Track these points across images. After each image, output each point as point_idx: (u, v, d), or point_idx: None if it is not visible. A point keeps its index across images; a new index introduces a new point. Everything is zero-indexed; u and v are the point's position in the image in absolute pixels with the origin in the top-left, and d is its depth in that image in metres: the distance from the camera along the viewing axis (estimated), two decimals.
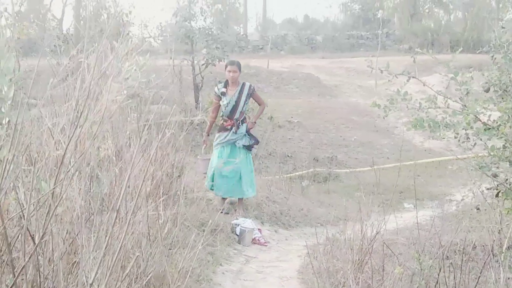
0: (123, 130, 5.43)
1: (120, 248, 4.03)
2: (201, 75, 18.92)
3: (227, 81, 8.86)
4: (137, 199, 4.83)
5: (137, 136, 5.48)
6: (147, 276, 4.24)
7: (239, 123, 8.81)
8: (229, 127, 8.81)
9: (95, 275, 3.23)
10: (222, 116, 8.97)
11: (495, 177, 4.00)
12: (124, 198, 4.37)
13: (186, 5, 19.27)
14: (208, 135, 9.23)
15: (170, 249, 5.00)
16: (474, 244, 6.87)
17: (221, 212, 7.88)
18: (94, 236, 3.50)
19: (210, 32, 19.32)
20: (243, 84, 8.91)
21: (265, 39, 42.75)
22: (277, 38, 44.12)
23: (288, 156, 17.32)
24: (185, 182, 7.98)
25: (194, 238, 4.76)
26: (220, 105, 8.92)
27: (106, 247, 3.31)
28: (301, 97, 26.22)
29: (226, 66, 8.94)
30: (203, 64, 18.66)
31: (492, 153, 3.53)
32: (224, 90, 8.79)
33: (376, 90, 25.84)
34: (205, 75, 18.96)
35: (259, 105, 9.18)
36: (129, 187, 4.86)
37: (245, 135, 8.86)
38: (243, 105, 8.83)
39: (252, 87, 9.04)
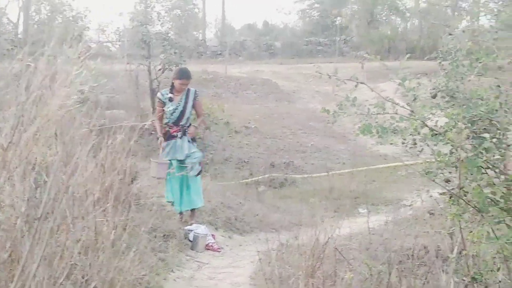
0: (71, 135, 5.32)
1: (65, 255, 3.95)
2: (158, 80, 18.81)
3: (172, 87, 8.55)
4: (84, 205, 4.75)
5: (85, 140, 5.39)
6: (92, 284, 4.15)
7: (185, 129, 8.47)
8: (175, 133, 8.45)
9: (37, 283, 3.14)
10: (167, 123, 8.54)
11: (447, 182, 4.02)
12: (71, 204, 4.29)
13: (143, 10, 19.15)
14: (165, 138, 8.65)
15: (118, 255, 4.91)
16: (426, 248, 6.93)
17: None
18: (37, 243, 3.40)
19: (167, 37, 19.22)
20: (188, 90, 8.56)
21: (223, 45, 42.75)
22: (235, 44, 44.16)
23: (244, 161, 17.30)
24: (138, 187, 7.89)
25: (145, 244, 4.68)
26: (162, 110, 8.54)
27: (51, 254, 3.23)
28: (259, 103, 26.26)
29: (178, 78, 8.47)
30: (159, 69, 18.56)
31: (438, 159, 3.55)
32: (170, 95, 8.45)
33: (333, 96, 25.96)
34: (161, 80, 18.85)
35: (197, 115, 8.87)
36: (76, 193, 4.78)
37: (190, 155, 8.41)
38: (190, 110, 8.55)
39: (197, 92, 8.71)
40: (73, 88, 4.99)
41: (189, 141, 8.49)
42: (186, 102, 8.47)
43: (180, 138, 8.43)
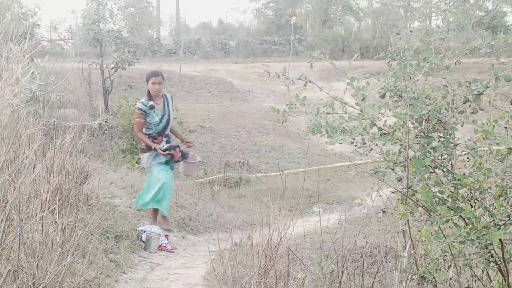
0: (18, 135, 5.21)
1: (12, 257, 3.86)
2: (111, 79, 18.62)
3: (149, 95, 7.92)
4: (32, 206, 4.66)
5: (33, 140, 5.29)
6: (40, 287, 4.07)
7: (169, 137, 8.12)
8: (162, 144, 7.93)
9: None
10: (149, 134, 7.95)
11: (399, 181, 4.06)
12: (17, 205, 4.20)
13: (94, 7, 18.91)
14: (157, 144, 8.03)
15: (68, 257, 4.83)
16: (379, 247, 7.00)
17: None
18: None
19: (119, 36, 19.05)
20: (166, 96, 8.11)
21: (178, 44, 42.58)
22: (190, 43, 44.03)
23: (199, 161, 17.21)
24: (90, 188, 7.78)
25: (96, 245, 4.60)
26: (144, 123, 7.90)
27: None
28: (214, 102, 26.22)
29: (148, 78, 7.96)
30: (112, 68, 18.38)
31: (387, 159, 3.57)
32: (151, 103, 7.83)
33: (288, 95, 26.10)
34: (114, 79, 18.67)
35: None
36: (25, 193, 4.69)
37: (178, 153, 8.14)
38: (173, 118, 8.18)
39: (171, 98, 8.27)
40: (19, 87, 4.89)
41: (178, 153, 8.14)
42: (169, 110, 8.04)
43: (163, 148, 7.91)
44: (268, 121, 23.15)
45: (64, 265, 4.44)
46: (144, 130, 7.94)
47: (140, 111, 7.86)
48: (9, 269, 3.76)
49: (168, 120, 8.01)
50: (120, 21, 21.30)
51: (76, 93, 18.33)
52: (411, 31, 4.25)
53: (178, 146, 8.22)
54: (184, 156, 8.20)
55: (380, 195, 4.62)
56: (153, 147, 7.80)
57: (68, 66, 17.23)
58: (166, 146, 7.95)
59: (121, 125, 15.04)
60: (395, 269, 4.79)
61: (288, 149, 19.89)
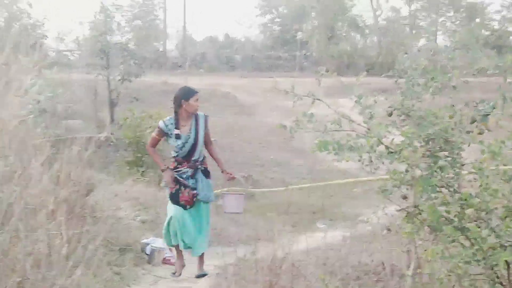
0: (26, 146, 5.23)
1: (17, 269, 3.87)
2: (117, 90, 18.69)
3: (177, 115, 6.97)
4: (38, 217, 4.66)
5: (40, 152, 5.30)
6: None
7: (198, 164, 7.03)
8: (185, 170, 6.99)
9: None
10: (175, 157, 7.04)
11: (404, 199, 4.06)
12: (24, 216, 4.21)
13: (102, 19, 19.01)
14: (168, 168, 7.08)
15: (72, 269, 4.83)
16: (384, 265, 6.98)
17: (174, 274, 7.13)
18: None
19: (126, 48, 19.14)
20: (196, 116, 7.02)
21: (184, 57, 42.70)
22: (196, 56, 44.16)
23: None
24: (95, 200, 7.79)
25: (101, 258, 4.61)
26: (158, 140, 7.21)
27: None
28: (218, 116, 26.20)
29: (189, 96, 7.00)
30: (119, 80, 18.45)
31: (393, 177, 3.58)
32: (177, 132, 6.92)
33: (293, 111, 26.03)
34: (121, 91, 18.73)
35: (206, 144, 7.18)
36: (30, 204, 4.69)
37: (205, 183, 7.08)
38: (202, 142, 7.00)
39: (207, 117, 7.18)
40: (28, 98, 4.92)
41: (204, 178, 7.10)
42: (197, 132, 6.97)
43: (190, 177, 6.97)
44: (272, 136, 23.14)
45: (70, 277, 4.45)
46: (171, 152, 7.11)
47: (159, 129, 7.06)
48: (15, 280, 3.77)
49: (195, 144, 6.94)
50: (127, 34, 21.36)
51: (82, 104, 18.40)
52: (419, 50, 4.28)
53: (193, 188, 6.98)
54: (206, 197, 7.07)
55: (386, 213, 4.62)
56: (161, 168, 7.11)
57: (75, 77, 17.37)
58: (184, 175, 6.96)
59: (127, 137, 15.05)
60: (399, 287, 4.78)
61: (293, 164, 19.88)
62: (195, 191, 6.94)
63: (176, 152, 6.97)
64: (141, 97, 20.84)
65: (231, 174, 7.27)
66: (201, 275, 7.05)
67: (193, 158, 6.97)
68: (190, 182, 6.95)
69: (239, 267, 6.33)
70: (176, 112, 6.97)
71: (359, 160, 3.74)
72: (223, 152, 20.02)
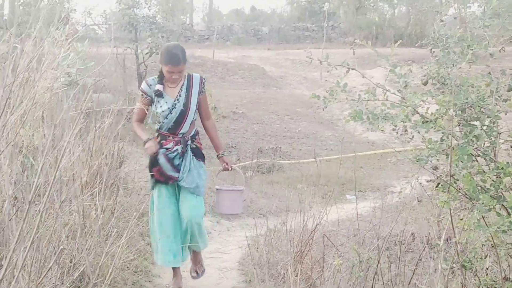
0: (59, 118, 5.28)
1: (53, 239, 3.93)
2: (145, 64, 18.73)
3: (162, 74, 5.34)
4: (72, 188, 4.72)
5: (73, 124, 5.35)
6: (80, 268, 4.13)
7: (187, 140, 5.42)
8: (171, 147, 5.36)
9: (23, 265, 3.11)
10: (158, 130, 5.48)
11: (435, 170, 4.02)
12: (58, 187, 4.26)
13: None
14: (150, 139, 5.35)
15: (106, 240, 4.89)
16: (413, 235, 6.96)
17: None
18: (25, 227, 3.36)
19: (154, 21, 19.13)
20: (190, 77, 5.45)
21: (211, 30, 42.61)
22: (223, 29, 44.01)
23: (232, 146, 17.26)
24: (126, 171, 7.86)
25: (133, 228, 4.66)
26: (145, 113, 5.50)
27: (35, 237, 3.20)
28: (246, 88, 26.22)
29: (163, 63, 5.25)
30: (147, 53, 18.48)
31: (429, 146, 3.55)
32: (159, 87, 5.34)
33: (321, 82, 26.00)
34: (148, 64, 18.78)
35: (202, 118, 5.65)
36: (64, 176, 4.75)
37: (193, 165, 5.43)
38: (195, 111, 5.41)
39: (203, 80, 5.54)
40: (60, 71, 4.95)
41: (194, 159, 5.45)
42: (188, 98, 5.37)
43: (179, 156, 5.36)
44: (301, 107, 23.11)
45: (104, 247, 4.51)
46: (152, 125, 5.66)
47: (142, 93, 5.42)
48: (51, 250, 3.82)
49: (185, 111, 5.35)
50: (153, 7, 21.32)
51: (110, 78, 18.48)
52: (455, 18, 4.21)
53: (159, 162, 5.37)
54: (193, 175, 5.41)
55: (420, 183, 4.58)
56: (143, 143, 5.36)
57: (103, 51, 17.43)
58: (170, 154, 5.36)
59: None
60: (430, 258, 4.76)
61: (321, 136, 19.84)
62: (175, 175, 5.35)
63: (160, 123, 5.37)
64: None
65: (227, 164, 5.66)
66: (196, 276, 5.80)
67: (181, 131, 5.35)
68: (176, 163, 5.35)
69: (270, 237, 6.36)
70: (161, 71, 5.35)
71: (393, 130, 3.70)
72: (251, 124, 20.08)
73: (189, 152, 5.41)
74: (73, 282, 4.19)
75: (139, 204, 6.91)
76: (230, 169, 5.71)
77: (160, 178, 5.36)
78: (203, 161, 5.56)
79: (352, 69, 3.80)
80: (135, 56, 19.13)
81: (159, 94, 5.32)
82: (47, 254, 3.59)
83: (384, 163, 15.66)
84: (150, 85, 5.37)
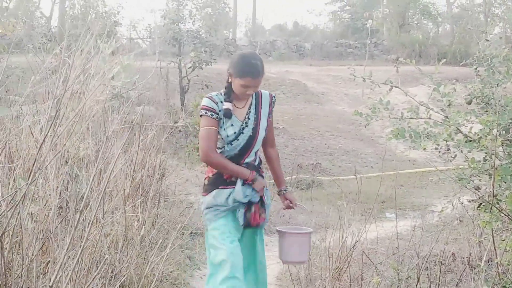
0: (104, 130, 5.38)
1: (96, 249, 4.00)
2: (188, 78, 18.92)
3: (229, 88, 4.27)
4: (114, 200, 4.80)
5: (118, 136, 5.45)
6: (121, 278, 4.20)
7: (256, 169, 4.39)
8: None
9: (56, 276, 3.18)
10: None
11: (477, 190, 4.00)
12: (102, 198, 4.33)
13: (175, 8, 19.27)
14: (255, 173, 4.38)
15: (147, 251, 4.97)
16: (454, 255, 6.88)
17: None
18: (69, 236, 3.43)
19: (198, 35, 19.34)
20: (259, 95, 4.45)
21: (253, 45, 42.79)
22: (265, 44, 44.16)
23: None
24: (167, 184, 7.95)
25: (172, 241, 4.71)
26: (216, 135, 4.27)
27: (78, 247, 3.27)
28: (288, 104, 26.23)
29: (239, 74, 4.16)
30: (190, 67, 18.66)
31: (472, 166, 3.53)
32: (229, 106, 4.26)
33: (362, 99, 25.91)
34: (191, 78, 18.96)
35: (265, 145, 4.61)
36: (108, 187, 4.83)
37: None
38: (264, 135, 4.42)
39: (274, 98, 4.57)
40: (107, 84, 5.05)
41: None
42: (257, 120, 4.38)
43: (254, 189, 4.33)
44: (341, 124, 23.03)
45: (145, 259, 4.57)
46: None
47: (210, 112, 4.24)
48: (93, 259, 3.89)
49: (253, 137, 4.34)
50: (197, 21, 21.57)
51: (153, 91, 18.72)
52: (500, 38, 4.18)
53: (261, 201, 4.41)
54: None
55: (462, 203, 4.55)
56: (248, 178, 4.27)
57: (147, 64, 17.68)
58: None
59: (197, 124, 15.22)
60: (471, 279, 4.72)
61: (361, 153, 19.73)
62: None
63: (221, 147, 4.33)
64: (211, 84, 21.06)
65: (291, 202, 4.72)
66: None
67: (246, 160, 4.37)
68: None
69: (309, 253, 6.35)
70: (228, 85, 4.30)
71: (435, 148, 3.69)
72: (292, 139, 20.10)
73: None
74: None
75: (179, 217, 7.00)
76: (294, 207, 4.76)
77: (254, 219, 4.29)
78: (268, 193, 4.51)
79: (395, 87, 3.80)
80: (178, 70, 19.33)
81: (228, 115, 4.26)
82: (90, 264, 3.66)
83: (425, 182, 15.50)
84: (217, 102, 4.24)
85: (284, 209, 4.85)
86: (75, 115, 3.70)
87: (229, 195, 4.27)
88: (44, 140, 3.21)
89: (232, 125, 4.28)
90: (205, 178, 4.44)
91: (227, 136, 4.27)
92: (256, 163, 4.45)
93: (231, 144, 4.30)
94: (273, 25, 57.60)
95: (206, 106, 4.25)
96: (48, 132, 3.26)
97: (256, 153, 4.43)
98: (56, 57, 4.73)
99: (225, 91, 4.29)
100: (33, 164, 3.20)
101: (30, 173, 3.19)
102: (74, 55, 4.03)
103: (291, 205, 4.74)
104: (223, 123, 4.27)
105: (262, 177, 4.45)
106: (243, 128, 4.31)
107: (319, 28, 56.02)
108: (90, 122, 4.89)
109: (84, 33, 4.31)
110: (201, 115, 4.28)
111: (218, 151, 4.29)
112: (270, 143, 4.64)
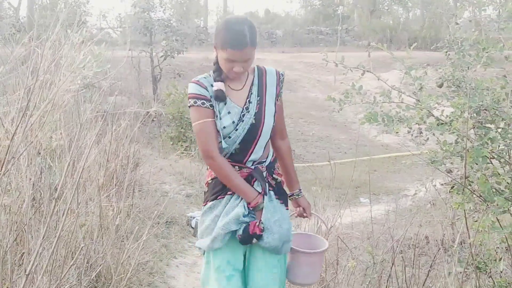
0: (76, 120, 5.34)
1: (69, 238, 3.98)
2: (160, 67, 18.84)
3: (218, 70, 3.32)
4: (88, 190, 4.78)
5: (91, 126, 5.41)
6: (97, 268, 4.18)
7: (263, 172, 3.39)
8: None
9: (33, 265, 3.16)
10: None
11: (449, 173, 4.04)
12: (76, 188, 4.31)
13: None
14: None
15: (122, 241, 4.95)
16: (427, 238, 6.97)
17: None
18: (43, 226, 3.41)
19: (169, 24, 19.25)
20: (262, 72, 3.47)
21: None
22: None
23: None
24: (141, 174, 7.93)
25: (148, 230, 4.71)
26: (215, 128, 3.27)
27: (54, 237, 3.25)
28: None
29: (221, 48, 3.16)
30: (161, 56, 18.59)
31: (444, 148, 3.57)
32: (221, 86, 3.29)
33: (335, 85, 26.02)
34: (163, 67, 18.88)
35: (273, 136, 3.51)
36: (81, 177, 4.80)
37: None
38: (272, 123, 3.40)
39: (281, 76, 3.49)
40: (77, 74, 5.01)
41: (277, 202, 3.41)
42: (261, 104, 3.37)
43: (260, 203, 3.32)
44: (314, 111, 23.12)
45: (120, 248, 4.56)
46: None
47: (200, 101, 3.25)
48: (68, 250, 3.87)
49: (257, 127, 3.33)
50: (168, 10, 21.45)
51: (125, 81, 18.62)
52: (470, 21, 4.22)
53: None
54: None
55: (435, 185, 4.60)
56: (252, 203, 3.28)
57: (118, 54, 17.54)
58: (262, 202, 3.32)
59: (170, 113, 15.18)
60: (445, 261, 4.78)
61: (335, 139, 19.85)
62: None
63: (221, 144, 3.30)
64: (183, 73, 20.98)
65: (305, 210, 3.80)
66: None
67: (250, 157, 3.34)
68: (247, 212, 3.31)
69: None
70: (216, 64, 3.34)
71: (408, 132, 3.73)
72: None
73: (270, 192, 3.39)
74: (90, 282, 4.25)
75: (154, 206, 6.98)
76: (308, 217, 3.85)
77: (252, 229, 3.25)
78: (286, 203, 3.55)
79: (368, 71, 3.83)
80: (150, 59, 19.24)
81: (220, 97, 3.28)
82: (66, 254, 3.64)
83: (398, 167, 15.64)
84: (206, 87, 3.28)
85: (295, 217, 3.85)
86: (47, 104, 3.66)
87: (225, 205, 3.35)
88: (16, 130, 3.17)
89: (229, 112, 3.28)
90: (205, 184, 3.51)
91: (224, 127, 3.26)
92: (267, 162, 3.42)
93: (229, 137, 3.28)
94: (244, 13, 57.47)
95: (194, 93, 3.26)
96: (20, 122, 3.23)
97: (264, 148, 3.39)
98: (26, 47, 4.67)
99: (214, 68, 3.34)
100: (6, 155, 3.16)
101: (2, 165, 3.16)
102: (43, 44, 3.98)
103: (304, 214, 3.80)
104: (218, 111, 3.27)
105: (280, 183, 3.51)
106: (243, 115, 3.30)
107: (291, 15, 56.05)
108: (62, 112, 4.85)
109: (53, 23, 4.27)
110: (189, 106, 3.28)
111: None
112: (279, 133, 3.59)
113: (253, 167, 3.34)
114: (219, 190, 3.35)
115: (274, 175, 3.44)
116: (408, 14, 49.67)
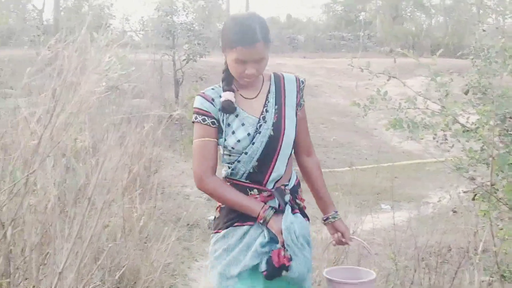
0: (100, 122, 5.39)
1: (93, 239, 4.00)
2: (182, 70, 18.91)
3: (227, 72, 2.90)
4: (111, 192, 4.81)
5: (114, 128, 5.45)
6: (121, 269, 4.21)
7: (285, 194, 2.92)
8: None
9: (65, 265, 3.19)
10: (227, 177, 2.93)
11: (472, 180, 4.02)
12: (100, 190, 4.34)
13: (168, 0, 19.24)
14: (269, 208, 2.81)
15: (145, 243, 4.98)
16: (450, 246, 6.93)
17: None
18: (67, 227, 3.44)
19: (191, 28, 19.31)
20: (280, 78, 3.07)
21: None
22: None
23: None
24: (163, 176, 7.97)
25: (170, 232, 4.73)
26: (215, 150, 2.85)
27: (78, 238, 3.28)
28: None
29: (230, 47, 2.78)
30: (184, 60, 18.65)
31: (470, 155, 3.55)
32: (229, 96, 2.84)
33: (356, 91, 25.93)
34: (185, 70, 18.95)
35: (297, 152, 3.15)
36: (105, 179, 4.84)
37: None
38: (293, 136, 2.93)
39: (301, 83, 3.05)
40: (103, 76, 5.05)
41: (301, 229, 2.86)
42: (280, 114, 2.90)
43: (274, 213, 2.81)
44: (336, 116, 23.07)
45: (142, 249, 4.59)
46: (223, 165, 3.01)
47: (201, 117, 2.85)
48: (92, 251, 3.90)
49: (277, 140, 2.85)
50: (191, 14, 21.55)
51: (147, 84, 18.72)
52: (497, 28, 4.21)
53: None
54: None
55: (459, 192, 4.58)
56: (259, 216, 2.79)
57: (140, 57, 17.63)
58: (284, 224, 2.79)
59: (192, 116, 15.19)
60: (465, 269, 4.75)
61: (356, 145, 19.78)
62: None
63: (230, 162, 2.91)
64: (205, 76, 21.04)
65: (343, 236, 3.14)
66: None
67: (271, 177, 2.88)
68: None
69: None
70: (225, 69, 2.96)
71: (433, 138, 3.72)
72: None
73: (291, 216, 2.85)
74: (113, 283, 4.27)
75: (176, 209, 7.02)
76: (348, 243, 3.19)
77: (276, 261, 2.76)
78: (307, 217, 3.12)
79: (393, 77, 3.82)
80: (173, 63, 19.32)
81: (228, 109, 2.85)
82: (89, 255, 3.67)
83: (420, 174, 15.55)
84: (213, 99, 2.87)
85: (334, 245, 3.31)
86: (73, 105, 3.70)
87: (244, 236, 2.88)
88: (44, 131, 3.21)
89: (243, 124, 2.83)
90: (216, 208, 3.02)
91: (238, 141, 2.81)
92: (290, 185, 3.00)
93: (245, 153, 2.82)
94: (266, 18, 57.38)
95: (197, 108, 2.87)
96: (47, 123, 3.27)
97: (287, 166, 2.93)
98: (51, 49, 4.72)
99: (222, 77, 2.95)
100: (32, 156, 3.20)
101: (30, 165, 3.19)
102: (69, 46, 4.02)
103: (344, 240, 3.14)
104: (228, 125, 2.84)
105: (303, 208, 3.08)
106: (260, 126, 2.83)
107: (312, 20, 56.04)
108: (87, 114, 4.89)
109: (79, 25, 4.31)
110: (193, 122, 2.91)
111: (228, 171, 2.91)
112: (305, 150, 3.18)
113: (271, 188, 2.88)
114: (236, 216, 2.87)
115: (297, 200, 3.02)
116: (431, 20, 49.46)
